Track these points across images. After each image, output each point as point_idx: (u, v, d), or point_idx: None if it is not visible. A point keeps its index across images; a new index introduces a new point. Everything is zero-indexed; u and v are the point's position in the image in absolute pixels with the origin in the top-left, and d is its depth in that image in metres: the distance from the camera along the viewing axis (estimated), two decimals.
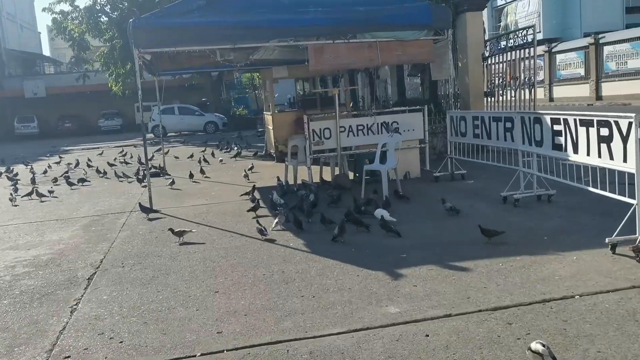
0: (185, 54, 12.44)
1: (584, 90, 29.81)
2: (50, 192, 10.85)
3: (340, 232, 5.99)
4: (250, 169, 12.36)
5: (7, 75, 41.96)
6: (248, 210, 7.73)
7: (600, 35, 28.83)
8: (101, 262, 5.89)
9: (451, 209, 6.86)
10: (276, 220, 6.85)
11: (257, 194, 8.74)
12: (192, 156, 16.28)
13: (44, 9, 30.70)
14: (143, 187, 11.01)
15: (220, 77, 35.10)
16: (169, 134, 30.09)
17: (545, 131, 6.58)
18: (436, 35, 9.40)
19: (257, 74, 41.86)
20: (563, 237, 5.62)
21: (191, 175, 11.96)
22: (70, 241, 6.97)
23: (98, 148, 23.38)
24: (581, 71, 30.32)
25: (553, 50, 32.57)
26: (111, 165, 14.83)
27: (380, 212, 6.62)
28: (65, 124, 39.82)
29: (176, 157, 16.53)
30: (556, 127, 6.33)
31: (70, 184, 12.11)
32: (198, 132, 30.35)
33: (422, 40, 9.30)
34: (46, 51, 59.52)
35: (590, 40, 29.38)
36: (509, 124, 7.64)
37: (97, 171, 13.96)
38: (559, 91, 32.13)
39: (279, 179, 9.74)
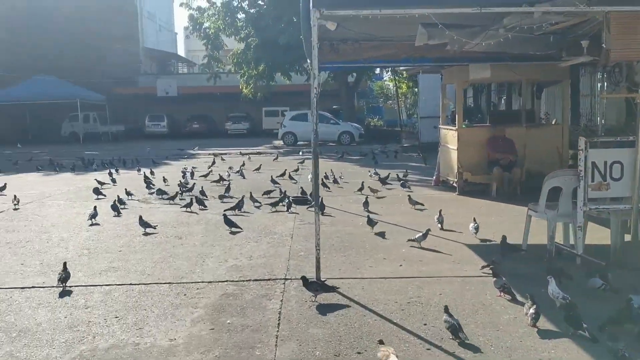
0: (352, 43, 9.23)
1: None
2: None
3: None
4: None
5: (142, 72, 42.19)
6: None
7: None
8: None
9: None
10: None
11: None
12: (340, 177, 12.88)
13: (181, 4, 29.55)
14: (294, 218, 7.74)
15: (356, 83, 31.93)
16: (298, 142, 27.34)
17: None
18: None
19: (391, 81, 38.50)
20: None
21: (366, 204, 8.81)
22: None
23: (226, 154, 20.94)
24: None
25: None
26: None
27: None
28: (193, 125, 38.89)
29: (325, 177, 12.94)
30: None
31: (200, 202, 9.26)
32: (329, 143, 27.30)
33: None
34: (181, 52, 60.60)
35: None
36: None
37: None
38: None
39: (504, 240, 5.89)
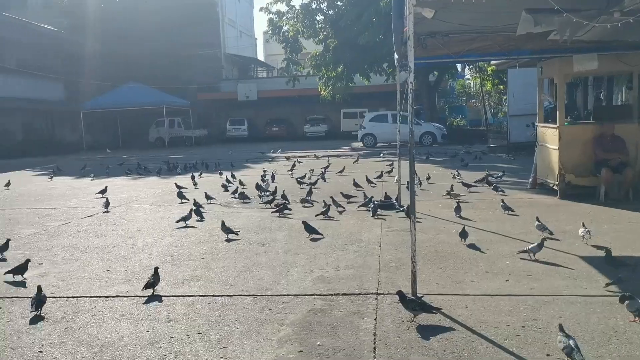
0: (441, 37, 8.63)
1: None
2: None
3: None
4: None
5: (224, 78, 43.27)
6: None
7: None
8: None
9: None
10: None
11: None
12: (428, 178, 12.29)
13: (261, 9, 29.91)
14: (381, 224, 7.25)
15: (437, 82, 30.89)
16: (378, 144, 26.76)
17: None
18: None
19: (475, 79, 36.76)
20: None
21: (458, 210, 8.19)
22: None
23: (306, 157, 20.77)
24: None
25: None
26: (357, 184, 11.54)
27: None
28: (272, 128, 39.43)
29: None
30: None
31: (284, 207, 8.99)
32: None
33: None
34: (260, 57, 61.74)
35: None
36: None
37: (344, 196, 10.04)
38: None
39: (609, 254, 5.07)
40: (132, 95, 30.85)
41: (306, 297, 4.77)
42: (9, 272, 5.49)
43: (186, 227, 8.06)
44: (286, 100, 39.97)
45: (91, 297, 4.96)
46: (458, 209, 8.28)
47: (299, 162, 18.25)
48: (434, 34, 8.51)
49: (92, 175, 16.01)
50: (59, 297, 4.97)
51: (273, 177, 13.37)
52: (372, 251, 6.31)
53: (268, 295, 4.85)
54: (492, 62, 17.17)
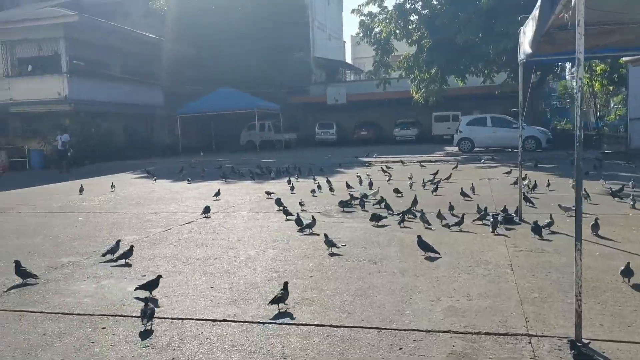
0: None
1: None
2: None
3: None
4: None
5: (313, 82, 43.27)
6: None
7: None
8: None
9: None
10: None
11: None
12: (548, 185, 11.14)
13: (352, 11, 29.34)
14: (504, 242, 6.35)
15: (540, 83, 28.83)
16: (475, 149, 25.31)
17: None
18: None
19: (587, 78, 33.89)
20: None
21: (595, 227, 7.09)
22: None
23: (400, 162, 19.93)
24: None
25: None
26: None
27: None
28: (361, 131, 38.84)
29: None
30: None
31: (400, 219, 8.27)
32: (508, 149, 24.80)
33: None
34: (348, 60, 61.37)
35: None
36: None
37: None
38: None
39: None
40: (225, 99, 31.44)
41: (441, 334, 4.03)
42: (139, 287, 5.11)
43: (309, 234, 7.59)
44: (375, 104, 39.25)
45: (197, 319, 4.52)
46: (595, 227, 7.16)
47: (387, 168, 17.46)
48: (563, 27, 7.46)
49: (189, 179, 16.18)
50: (164, 317, 4.57)
51: (371, 184, 12.71)
52: (504, 276, 5.44)
53: (394, 330, 4.15)
54: (625, 58, 15.42)
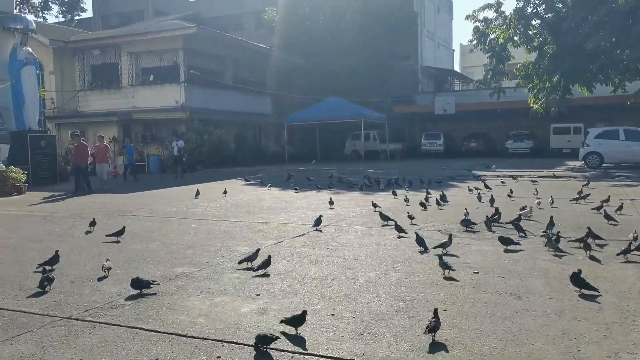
0: None
1: None
2: None
3: None
4: None
5: (420, 91, 42.09)
6: None
7: None
8: None
9: None
10: None
11: None
12: None
13: (467, 17, 27.94)
14: None
15: None
16: (604, 164, 22.92)
17: None
18: None
19: None
20: None
21: None
22: None
23: (520, 176, 18.39)
24: None
25: None
26: None
27: None
28: (471, 143, 37.00)
29: None
30: None
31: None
32: None
33: None
34: (456, 69, 59.27)
35: None
36: None
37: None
38: None
39: None
40: (331, 108, 31.31)
41: None
42: (283, 321, 4.43)
43: (445, 254, 6.86)
44: (486, 114, 37.27)
45: (320, 357, 3.94)
46: None
47: (534, 181, 16.18)
48: None
49: (296, 187, 15.97)
50: (284, 350, 4.05)
51: (492, 201, 11.61)
52: None
53: None
54: None
